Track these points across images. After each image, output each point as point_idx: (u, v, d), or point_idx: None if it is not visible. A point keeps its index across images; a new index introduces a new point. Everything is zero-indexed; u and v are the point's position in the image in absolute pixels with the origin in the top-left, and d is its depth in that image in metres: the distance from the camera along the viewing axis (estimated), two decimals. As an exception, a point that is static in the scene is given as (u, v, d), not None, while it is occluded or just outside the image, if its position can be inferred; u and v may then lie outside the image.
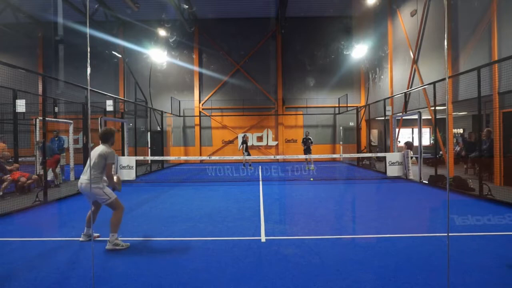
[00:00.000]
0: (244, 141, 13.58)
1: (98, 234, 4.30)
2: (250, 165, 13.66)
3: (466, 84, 8.56)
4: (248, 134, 17.89)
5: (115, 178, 4.03)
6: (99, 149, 3.95)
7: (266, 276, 3.11)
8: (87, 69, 3.19)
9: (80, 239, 4.18)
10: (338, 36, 17.33)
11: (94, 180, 3.84)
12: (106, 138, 4.04)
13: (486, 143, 8.44)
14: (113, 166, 4.03)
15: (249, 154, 13.49)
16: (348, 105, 16.96)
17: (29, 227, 5.13)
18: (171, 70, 17.93)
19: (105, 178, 3.95)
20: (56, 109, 10.46)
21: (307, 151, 12.37)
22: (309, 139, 12.49)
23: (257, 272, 3.22)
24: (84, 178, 3.92)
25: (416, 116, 9.54)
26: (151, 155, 15.48)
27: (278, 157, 16.76)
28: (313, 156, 12.32)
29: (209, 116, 18.11)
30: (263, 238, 4.27)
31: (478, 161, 8.34)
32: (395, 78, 14.35)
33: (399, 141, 14.85)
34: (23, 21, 15.94)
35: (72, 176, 10.10)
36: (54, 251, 3.92)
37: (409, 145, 10.00)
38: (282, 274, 3.15)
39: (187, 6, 14.46)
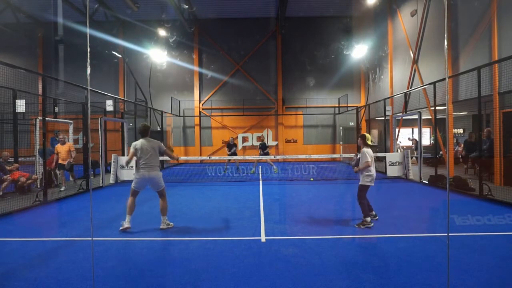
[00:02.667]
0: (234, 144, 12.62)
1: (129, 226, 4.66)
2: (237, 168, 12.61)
3: (466, 84, 8.56)
4: (248, 134, 17.89)
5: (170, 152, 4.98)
6: (149, 142, 4.69)
7: (266, 276, 3.11)
8: (87, 69, 3.18)
9: (122, 228, 4.59)
10: (338, 36, 17.33)
11: (159, 168, 4.80)
12: (147, 132, 4.80)
13: (486, 143, 8.44)
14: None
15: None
16: (348, 105, 16.96)
17: (29, 227, 5.13)
18: (171, 70, 17.93)
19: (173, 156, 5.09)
20: (56, 109, 10.46)
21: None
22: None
23: (257, 272, 3.22)
24: (149, 165, 4.68)
25: (416, 116, 9.55)
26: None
27: (278, 157, 16.75)
28: (314, 156, 12.33)
29: (209, 116, 18.11)
30: (263, 238, 4.27)
31: (478, 161, 8.34)
32: (395, 78, 14.35)
33: (400, 142, 14.85)
34: (23, 21, 15.93)
35: (71, 176, 10.09)
36: (54, 251, 3.92)
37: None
38: (282, 274, 3.15)
39: (187, 6, 14.46)
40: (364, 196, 4.78)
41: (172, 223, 4.87)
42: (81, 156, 11.86)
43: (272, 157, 12.18)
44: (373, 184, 4.79)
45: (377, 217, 5.00)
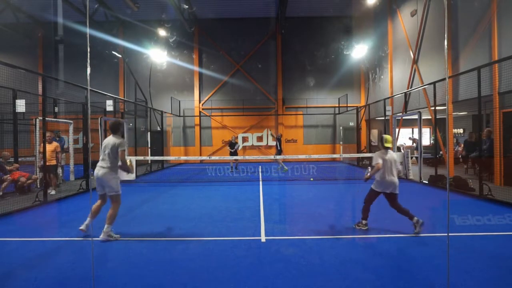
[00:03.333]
0: (236, 143, 12.66)
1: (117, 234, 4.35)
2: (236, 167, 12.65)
3: (466, 84, 8.56)
4: (248, 134, 17.89)
5: (128, 162, 4.34)
6: (111, 140, 4.27)
7: (266, 276, 3.11)
8: (87, 69, 3.19)
9: (81, 227, 4.30)
10: (338, 36, 17.33)
11: (111, 169, 4.21)
12: (116, 128, 4.38)
13: (486, 143, 8.44)
14: (125, 152, 4.35)
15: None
16: (348, 105, 16.96)
17: (29, 227, 5.12)
18: (171, 70, 17.93)
19: (119, 163, 4.28)
20: (56, 109, 10.46)
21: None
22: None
23: (257, 272, 3.22)
24: (100, 165, 4.23)
25: (416, 116, 9.54)
26: (151, 155, 15.48)
27: (278, 157, 16.73)
28: (314, 156, 12.33)
29: (209, 116, 18.11)
30: (263, 238, 4.27)
31: (478, 161, 8.34)
32: (395, 78, 14.35)
33: (404, 143, 14.84)
34: (23, 21, 15.93)
35: (72, 176, 10.10)
36: (54, 251, 3.92)
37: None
38: (282, 274, 3.15)
39: (187, 6, 14.46)
40: (368, 199, 4.60)
41: (117, 235, 4.26)
42: (81, 156, 11.86)
43: (282, 156, 12.60)
44: (379, 190, 4.44)
45: (367, 228, 4.64)
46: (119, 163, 4.27)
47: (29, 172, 8.24)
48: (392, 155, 4.47)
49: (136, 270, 3.31)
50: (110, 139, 4.30)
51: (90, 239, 4.20)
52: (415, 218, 4.28)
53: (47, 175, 7.44)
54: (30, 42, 17.33)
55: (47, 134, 7.83)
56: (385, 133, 13.60)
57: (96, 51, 16.66)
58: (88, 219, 4.32)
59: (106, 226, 4.17)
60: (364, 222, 4.64)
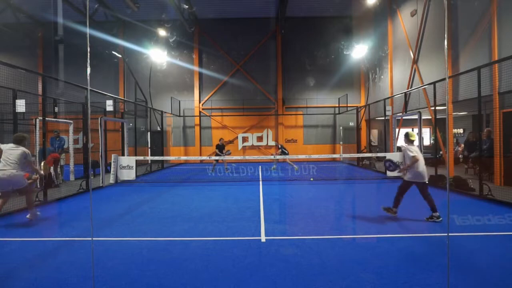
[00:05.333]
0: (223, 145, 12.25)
1: None
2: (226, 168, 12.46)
3: (466, 84, 8.56)
4: (248, 135, 17.87)
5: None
6: (18, 150, 5.10)
7: (266, 276, 3.11)
8: (87, 69, 3.18)
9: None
10: (338, 36, 17.33)
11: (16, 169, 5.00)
12: (19, 141, 5.20)
13: (486, 143, 8.44)
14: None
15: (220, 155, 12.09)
16: (348, 105, 16.96)
17: (29, 227, 5.12)
18: (171, 70, 17.93)
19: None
20: (56, 109, 10.46)
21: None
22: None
23: (257, 272, 3.22)
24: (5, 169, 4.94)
25: (416, 116, 9.54)
26: (151, 155, 15.48)
27: (278, 157, 16.73)
28: (314, 156, 12.35)
29: (209, 116, 18.11)
30: (263, 238, 4.27)
31: (478, 161, 8.35)
32: (395, 78, 14.35)
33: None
34: (23, 21, 15.92)
35: (72, 176, 10.10)
36: (54, 251, 3.92)
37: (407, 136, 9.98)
38: (282, 274, 3.15)
39: (187, 6, 14.46)
40: (402, 191, 5.11)
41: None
42: (81, 156, 11.86)
43: (290, 157, 12.39)
44: (413, 180, 4.96)
45: (396, 214, 5.19)
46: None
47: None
48: (417, 148, 5.01)
49: (136, 270, 3.31)
50: (17, 149, 5.08)
51: (90, 239, 4.21)
52: (437, 213, 4.87)
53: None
54: (30, 42, 17.33)
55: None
56: (385, 133, 13.61)
57: (96, 51, 16.66)
58: None
59: (30, 211, 5.20)
60: (394, 209, 5.16)
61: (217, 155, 11.98)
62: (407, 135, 5.05)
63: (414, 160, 4.84)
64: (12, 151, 5.09)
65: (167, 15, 16.24)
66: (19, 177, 5.07)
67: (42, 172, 5.35)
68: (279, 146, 12.54)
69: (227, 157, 11.79)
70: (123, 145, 11.34)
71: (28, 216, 5.16)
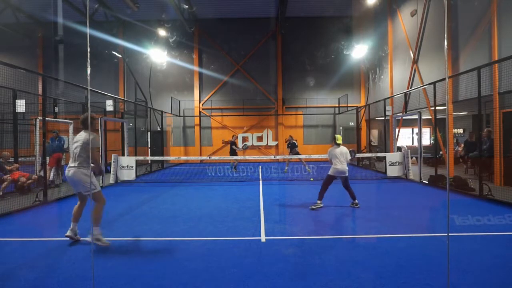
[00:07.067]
0: (234, 142, 12.57)
1: (78, 237, 4.17)
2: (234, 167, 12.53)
3: (466, 84, 8.56)
4: (248, 134, 17.88)
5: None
6: (81, 136, 4.03)
7: (266, 276, 3.11)
8: (87, 69, 3.18)
9: (66, 233, 4.09)
10: (338, 36, 17.32)
11: (81, 166, 3.92)
12: (83, 123, 4.15)
13: (486, 143, 8.44)
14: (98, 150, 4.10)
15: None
16: (348, 105, 16.96)
17: (29, 227, 5.12)
18: (171, 70, 17.93)
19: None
20: (56, 109, 10.46)
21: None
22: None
23: (257, 272, 3.22)
24: (71, 165, 3.95)
25: (416, 116, 9.54)
26: (151, 155, 15.48)
27: (278, 157, 16.75)
28: (314, 156, 12.31)
29: (209, 116, 18.10)
30: (263, 238, 4.27)
31: (478, 161, 8.34)
32: (395, 78, 14.34)
33: (405, 146, 14.82)
34: (23, 21, 15.92)
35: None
36: (54, 251, 3.92)
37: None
38: (282, 274, 3.15)
39: (187, 6, 14.46)
40: (325, 184, 5.98)
41: (107, 242, 3.93)
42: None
43: (304, 156, 11.93)
44: (342, 175, 5.88)
45: (358, 205, 5.97)
46: (94, 162, 4.02)
47: (29, 172, 8.24)
48: (342, 149, 5.96)
49: (136, 270, 3.31)
50: (81, 135, 4.02)
51: (90, 239, 4.20)
52: (356, 201, 5.98)
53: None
54: (30, 42, 17.32)
55: None
56: (385, 133, 13.61)
57: (96, 51, 16.66)
58: (72, 224, 4.10)
59: (93, 228, 3.88)
60: (319, 202, 5.89)
61: (232, 151, 12.19)
62: (334, 139, 6.02)
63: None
64: (76, 139, 4.11)
65: (167, 15, 16.24)
66: (81, 175, 3.89)
67: (99, 167, 4.18)
68: (289, 144, 11.80)
69: (237, 157, 12.06)
70: (123, 145, 11.34)
71: (89, 237, 3.88)
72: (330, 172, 5.91)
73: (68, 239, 4.22)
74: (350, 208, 6.02)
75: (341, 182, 6.02)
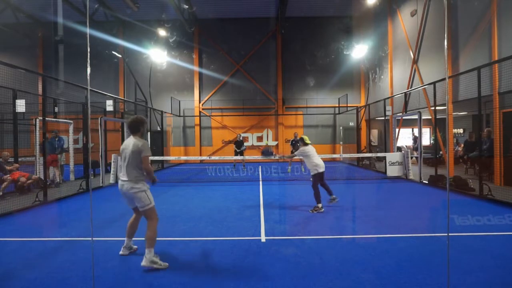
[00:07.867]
0: (242, 141, 13.04)
1: (136, 247, 3.87)
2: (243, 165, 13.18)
3: (466, 84, 8.56)
4: (248, 134, 17.88)
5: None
6: (130, 143, 3.41)
7: (266, 276, 3.11)
8: (87, 69, 3.19)
9: (120, 252, 3.70)
10: (338, 36, 17.33)
11: (135, 180, 3.38)
12: (137, 127, 3.49)
13: (486, 143, 8.44)
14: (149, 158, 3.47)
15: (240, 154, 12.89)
16: (348, 105, 16.96)
17: (29, 227, 5.12)
18: (171, 70, 17.93)
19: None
20: (56, 109, 10.46)
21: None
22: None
23: (257, 272, 3.22)
24: (124, 179, 3.41)
25: (416, 116, 9.54)
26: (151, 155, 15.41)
27: (278, 156, 16.75)
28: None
29: (209, 116, 18.10)
30: (263, 238, 4.27)
31: (478, 161, 8.34)
32: (395, 78, 14.35)
33: (405, 146, 14.82)
34: (23, 21, 15.93)
35: (72, 176, 10.10)
36: (54, 251, 3.92)
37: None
38: (282, 274, 3.15)
39: (187, 6, 14.45)
40: (315, 186, 5.84)
41: (165, 264, 3.34)
42: (81, 156, 11.86)
43: (289, 156, 11.92)
44: (320, 170, 5.93)
45: (337, 199, 6.06)
46: (148, 173, 3.46)
47: (29, 172, 8.24)
48: (312, 148, 6.14)
49: (136, 270, 3.30)
50: (129, 143, 3.43)
51: (90, 239, 4.20)
52: (334, 196, 6.05)
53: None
54: (30, 42, 17.32)
55: None
56: (385, 133, 13.61)
57: (96, 51, 16.66)
58: (126, 240, 3.72)
59: (146, 250, 3.30)
60: (320, 205, 5.70)
61: (235, 151, 12.65)
62: (302, 139, 6.17)
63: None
64: (124, 145, 3.48)
65: (167, 15, 16.24)
66: (137, 192, 3.37)
67: (152, 176, 3.56)
68: (293, 142, 11.76)
69: (246, 157, 12.55)
70: (123, 145, 11.31)
71: (144, 262, 3.26)
72: (316, 171, 5.86)
73: (68, 238, 4.23)
74: (350, 208, 6.03)
75: (318, 180, 5.86)
